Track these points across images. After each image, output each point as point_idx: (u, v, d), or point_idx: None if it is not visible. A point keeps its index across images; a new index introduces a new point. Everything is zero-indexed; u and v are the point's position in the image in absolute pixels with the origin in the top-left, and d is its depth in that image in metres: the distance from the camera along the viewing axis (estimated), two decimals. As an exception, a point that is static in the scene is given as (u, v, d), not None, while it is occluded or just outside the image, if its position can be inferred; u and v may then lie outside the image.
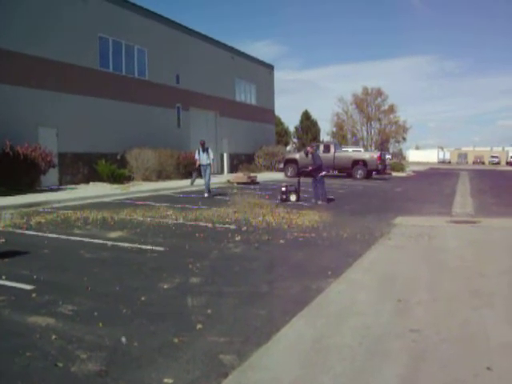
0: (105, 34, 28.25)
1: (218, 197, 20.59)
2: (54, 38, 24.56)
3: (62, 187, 23.75)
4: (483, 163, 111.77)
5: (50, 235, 11.29)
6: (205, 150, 20.92)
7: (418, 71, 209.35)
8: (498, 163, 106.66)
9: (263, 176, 33.72)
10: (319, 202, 18.44)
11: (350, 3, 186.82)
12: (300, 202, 18.51)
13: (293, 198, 18.94)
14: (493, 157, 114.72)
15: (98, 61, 27.86)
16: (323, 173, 19.54)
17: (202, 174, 21.04)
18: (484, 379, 4.31)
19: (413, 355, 4.83)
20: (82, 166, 26.44)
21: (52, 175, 23.65)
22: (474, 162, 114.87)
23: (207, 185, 20.79)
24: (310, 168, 19.60)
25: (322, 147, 37.06)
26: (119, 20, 29.49)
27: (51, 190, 22.16)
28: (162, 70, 33.18)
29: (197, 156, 21.23)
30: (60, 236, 11.20)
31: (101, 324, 5.61)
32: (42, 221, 13.43)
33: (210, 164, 20.94)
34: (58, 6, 24.93)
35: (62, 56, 25.02)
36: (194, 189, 22.05)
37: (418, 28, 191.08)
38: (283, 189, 19.19)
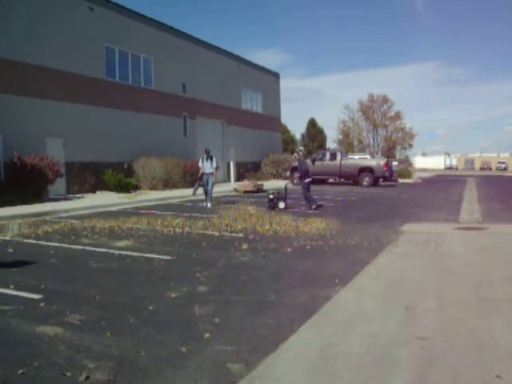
0: (111, 43, 28.45)
1: (225, 205, 20.59)
2: (60, 48, 24.75)
3: (70, 196, 23.85)
4: (490, 169, 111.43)
5: (58, 245, 11.32)
6: (209, 158, 20.84)
7: (425, 78, 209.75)
8: (505, 169, 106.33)
9: (270, 184, 33.68)
10: (310, 211, 18.47)
11: (355, 10, 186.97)
12: (297, 209, 18.49)
13: (281, 205, 18.95)
14: (500, 162, 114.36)
15: (104, 70, 28.05)
16: (309, 179, 19.53)
17: (205, 182, 20.94)
18: (493, 387, 4.29)
19: (421, 363, 4.81)
20: (89, 176, 26.55)
21: (59, 184, 23.77)
22: (480, 168, 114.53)
23: (210, 194, 20.71)
24: (298, 175, 19.78)
25: (328, 155, 37.16)
26: (125, 30, 29.68)
27: (58, 199, 22.24)
28: (169, 79, 33.34)
29: (200, 164, 21.11)
30: (67, 245, 11.24)
31: (108, 333, 5.62)
32: (50, 230, 13.49)
33: (212, 173, 20.83)
34: (64, 16, 25.14)
35: (68, 66, 25.21)
36: (200, 197, 22.03)
37: (424, 34, 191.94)
38: (271, 196, 19.24)
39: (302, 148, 77.38)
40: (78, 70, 25.82)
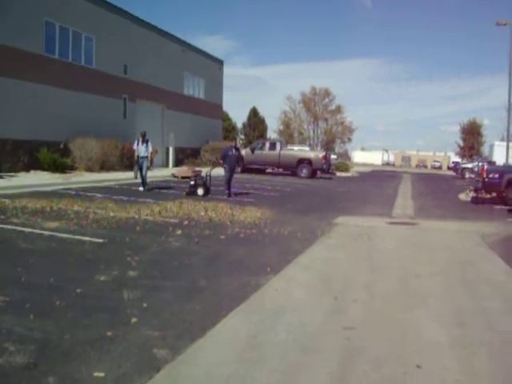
0: (51, 18, 27.54)
1: (161, 190, 20.43)
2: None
3: (1, 175, 23.10)
4: (426, 167, 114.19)
5: (-15, 223, 10.97)
6: (144, 141, 20.29)
7: (369, 73, 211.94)
8: (440, 167, 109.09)
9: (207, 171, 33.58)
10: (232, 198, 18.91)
11: (302, 1, 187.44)
12: (222, 197, 18.69)
13: (200, 191, 18.94)
14: (435, 161, 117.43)
15: (43, 46, 27.17)
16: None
17: (139, 166, 20.50)
18: (413, 376, 4.40)
19: (346, 353, 4.89)
20: (23, 154, 25.73)
21: (-10, 162, 23.00)
22: (417, 166, 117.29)
23: (144, 178, 20.31)
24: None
25: (268, 145, 37.21)
26: (67, 5, 28.76)
27: (-11, 177, 21.56)
28: (110, 60, 32.62)
29: (135, 147, 20.53)
30: (-5, 224, 10.90)
31: (32, 316, 5.47)
32: (-22, 208, 13.06)
33: (147, 156, 20.31)
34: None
35: (5, 39, 24.25)
36: (136, 181, 21.75)
37: (371, 30, 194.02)
38: (192, 182, 19.22)
39: (242, 136, 77.45)
40: (14, 43, 24.86)
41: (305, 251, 9.63)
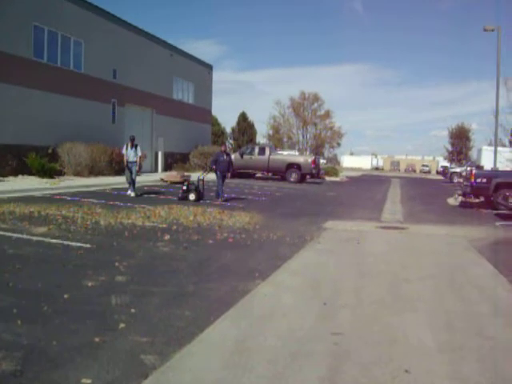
0: (40, 23, 27.48)
1: (150, 195, 20.36)
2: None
3: (-11, 179, 23.02)
4: (415, 171, 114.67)
5: (-28, 229, 10.89)
6: (133, 146, 20.01)
7: (359, 79, 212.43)
8: (429, 172, 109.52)
9: (197, 175, 33.50)
10: (228, 203, 18.87)
11: (291, 6, 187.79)
12: (212, 201, 18.72)
13: (192, 197, 18.80)
14: (424, 165, 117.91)
15: (32, 50, 27.09)
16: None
17: (129, 171, 20.17)
18: (402, 381, 4.40)
19: (334, 358, 4.88)
20: (11, 159, 25.63)
21: (-22, 167, 22.87)
22: (405, 170, 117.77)
23: (134, 183, 20.19)
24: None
25: (257, 149, 37.18)
26: (56, 10, 28.69)
27: (-23, 181, 21.43)
28: (99, 64, 32.57)
29: (124, 151, 20.26)
30: (-17, 230, 10.82)
31: (19, 322, 5.43)
32: (-35, 213, 12.97)
33: (136, 161, 20.06)
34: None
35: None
36: (125, 186, 21.65)
37: (361, 35, 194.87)
38: (184, 187, 19.13)
39: (231, 141, 77.44)
40: (2, 47, 24.82)
41: (294, 256, 9.63)
